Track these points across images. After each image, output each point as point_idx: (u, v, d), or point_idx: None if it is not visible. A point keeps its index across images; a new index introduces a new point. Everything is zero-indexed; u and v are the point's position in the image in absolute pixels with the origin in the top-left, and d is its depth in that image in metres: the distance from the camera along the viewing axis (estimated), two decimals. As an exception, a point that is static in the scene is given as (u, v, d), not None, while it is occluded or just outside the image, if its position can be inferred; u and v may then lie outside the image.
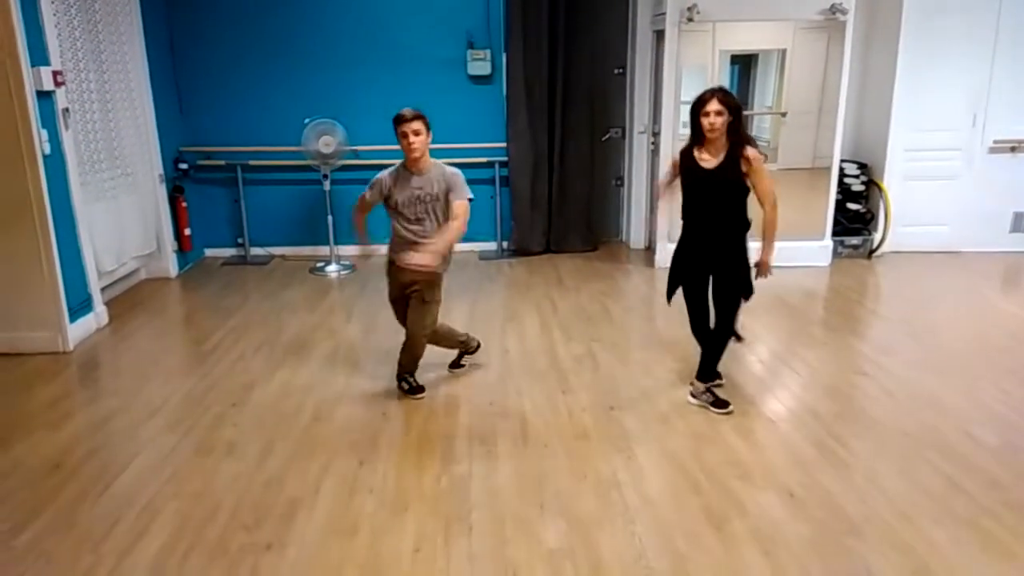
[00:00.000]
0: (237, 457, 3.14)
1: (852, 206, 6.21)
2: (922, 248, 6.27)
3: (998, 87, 5.97)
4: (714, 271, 3.38)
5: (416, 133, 3.37)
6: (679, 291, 3.51)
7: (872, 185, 6.24)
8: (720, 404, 3.46)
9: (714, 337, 3.48)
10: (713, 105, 3.11)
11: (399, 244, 3.52)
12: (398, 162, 3.53)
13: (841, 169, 6.03)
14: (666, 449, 3.18)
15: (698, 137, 3.25)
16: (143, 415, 3.55)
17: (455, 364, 4.00)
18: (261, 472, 3.02)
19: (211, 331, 4.71)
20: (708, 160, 3.24)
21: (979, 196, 6.19)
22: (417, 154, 3.41)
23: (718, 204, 3.28)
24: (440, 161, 3.53)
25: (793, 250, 5.56)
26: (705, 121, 3.14)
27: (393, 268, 3.60)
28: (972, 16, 5.82)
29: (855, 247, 6.26)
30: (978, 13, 5.82)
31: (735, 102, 3.18)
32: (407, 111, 3.41)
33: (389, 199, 3.50)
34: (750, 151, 3.17)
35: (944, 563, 2.42)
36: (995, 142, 6.09)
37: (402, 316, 3.70)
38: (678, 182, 3.42)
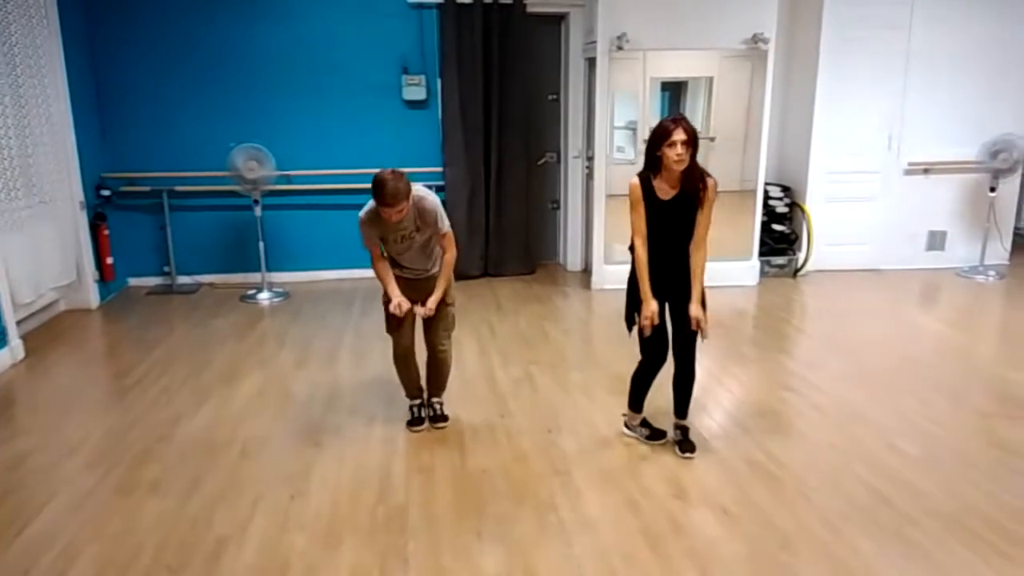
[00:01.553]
0: (161, 495, 3.01)
1: (777, 227, 6.42)
2: (844, 267, 6.52)
3: (911, 112, 6.30)
4: (673, 302, 3.22)
5: (400, 212, 3.11)
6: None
7: (795, 207, 6.47)
8: (656, 435, 3.42)
9: (686, 381, 3.33)
10: (680, 135, 2.93)
11: (400, 284, 3.42)
12: (371, 209, 3.22)
13: (766, 192, 6.25)
14: (604, 470, 3.19)
15: (656, 167, 3.06)
16: (61, 453, 3.37)
17: (437, 418, 3.68)
18: (186, 510, 2.90)
19: (134, 364, 4.52)
20: (666, 191, 3.09)
21: (896, 216, 6.49)
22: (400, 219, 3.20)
23: (675, 234, 3.13)
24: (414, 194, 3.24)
25: (723, 270, 5.71)
26: (672, 152, 2.94)
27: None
28: (885, 46, 6.15)
29: (781, 267, 6.46)
30: (890, 43, 6.14)
31: (695, 130, 3.00)
32: (388, 192, 3.02)
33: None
34: (710, 181, 3.07)
35: (871, 573, 2.49)
36: (910, 164, 6.41)
37: (403, 323, 3.47)
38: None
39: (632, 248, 3.19)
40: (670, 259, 3.18)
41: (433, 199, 3.31)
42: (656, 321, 3.17)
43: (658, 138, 3.00)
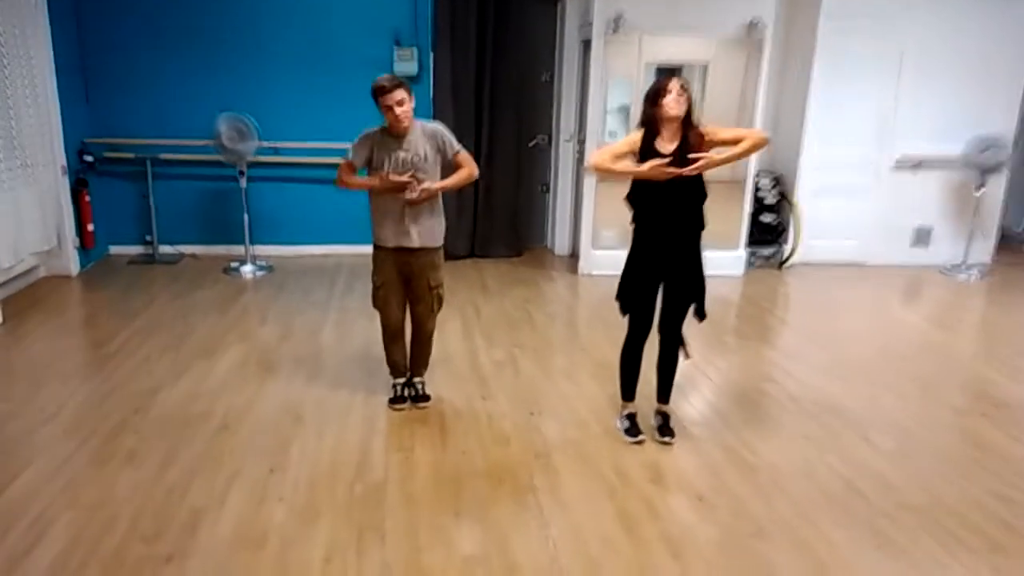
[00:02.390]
0: (137, 465, 2.99)
1: (765, 218, 6.44)
2: (830, 260, 6.54)
3: (903, 107, 6.30)
4: (668, 277, 3.21)
5: (400, 103, 3.15)
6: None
7: (784, 198, 6.49)
8: (633, 432, 3.35)
9: (670, 360, 3.35)
10: (675, 84, 3.02)
11: (388, 221, 3.33)
12: (376, 128, 3.30)
13: (755, 182, 6.25)
14: (583, 454, 3.20)
15: (654, 126, 3.09)
16: (37, 421, 3.34)
17: (420, 397, 3.66)
18: (163, 481, 2.89)
19: (114, 333, 4.48)
20: (666, 145, 3.09)
21: (884, 211, 6.51)
22: (405, 123, 3.21)
23: (674, 194, 3.09)
24: (418, 120, 3.32)
25: (709, 259, 5.72)
26: (669, 98, 3.01)
27: (383, 253, 3.40)
28: (880, 40, 6.14)
29: (767, 258, 6.49)
30: (886, 37, 6.13)
31: (690, 88, 3.08)
32: (385, 80, 3.17)
33: (371, 162, 3.30)
34: (701, 125, 3.12)
35: (841, 562, 2.52)
36: (899, 159, 6.43)
37: (392, 304, 3.49)
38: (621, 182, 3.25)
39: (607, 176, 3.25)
40: (668, 226, 3.15)
41: (437, 123, 3.39)
42: (666, 164, 3.04)
43: (654, 91, 3.06)
